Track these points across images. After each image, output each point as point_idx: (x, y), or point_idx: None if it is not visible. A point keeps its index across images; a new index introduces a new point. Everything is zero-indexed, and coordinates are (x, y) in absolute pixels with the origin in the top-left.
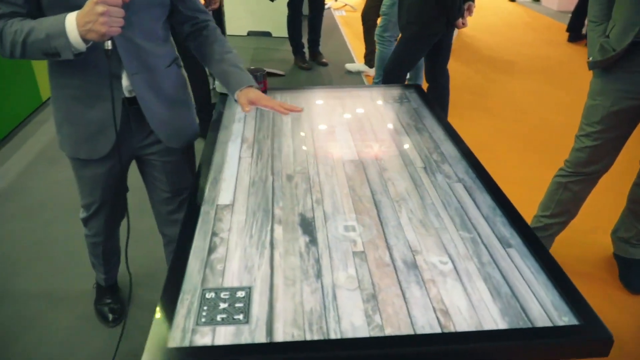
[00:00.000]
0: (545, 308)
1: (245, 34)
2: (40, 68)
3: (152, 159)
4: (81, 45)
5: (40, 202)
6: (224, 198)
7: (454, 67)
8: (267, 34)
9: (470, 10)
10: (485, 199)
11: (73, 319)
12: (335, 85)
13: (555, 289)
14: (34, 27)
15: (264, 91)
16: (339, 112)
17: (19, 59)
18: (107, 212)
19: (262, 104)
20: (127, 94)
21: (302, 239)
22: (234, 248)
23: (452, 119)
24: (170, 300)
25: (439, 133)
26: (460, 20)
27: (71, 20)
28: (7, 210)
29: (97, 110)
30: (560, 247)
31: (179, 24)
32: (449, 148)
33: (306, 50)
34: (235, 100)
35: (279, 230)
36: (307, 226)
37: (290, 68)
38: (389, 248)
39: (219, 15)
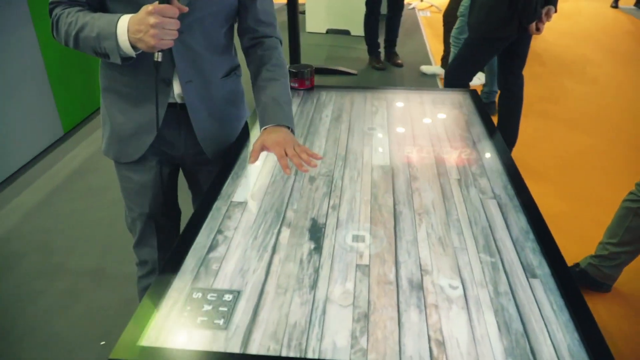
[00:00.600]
0: (558, 352)
1: (324, 31)
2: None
3: (198, 169)
4: (130, 52)
5: (107, 183)
6: (240, 195)
7: (532, 74)
8: (346, 32)
9: (548, 15)
10: (519, 220)
11: (117, 299)
12: (402, 86)
13: (577, 330)
14: (87, 23)
15: (311, 88)
16: (382, 114)
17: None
18: (153, 233)
19: (276, 153)
20: (178, 100)
21: (307, 245)
22: (234, 248)
23: (523, 129)
24: (156, 296)
25: (484, 144)
26: (534, 24)
27: (123, 24)
28: (75, 189)
29: (141, 112)
30: (628, 280)
31: (240, 35)
32: (491, 161)
33: (382, 50)
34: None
35: (285, 233)
36: (316, 232)
37: (363, 68)
38: (396, 264)
39: (293, 10)
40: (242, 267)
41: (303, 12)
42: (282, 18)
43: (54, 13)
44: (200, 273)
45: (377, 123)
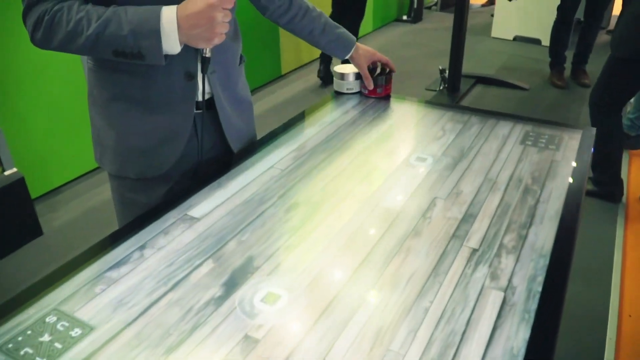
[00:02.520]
0: None
1: (512, 38)
2: (287, 43)
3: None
4: (176, 50)
5: None
6: (201, 208)
7: None
8: (536, 42)
9: None
10: (519, 333)
11: None
12: (571, 112)
13: None
14: (110, 19)
15: (387, 95)
16: (443, 142)
17: (62, 52)
18: None
19: (378, 59)
20: (199, 97)
21: (213, 292)
22: (138, 272)
23: None
24: (8, 308)
25: (548, 207)
26: None
27: (170, 18)
28: None
29: (161, 119)
30: None
31: (263, 11)
32: (543, 231)
33: (569, 66)
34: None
35: (204, 268)
36: (239, 276)
37: (540, 83)
38: (292, 355)
39: (461, 8)
40: (124, 297)
41: (492, 15)
42: (475, 20)
43: (39, 10)
44: (80, 291)
45: (430, 152)
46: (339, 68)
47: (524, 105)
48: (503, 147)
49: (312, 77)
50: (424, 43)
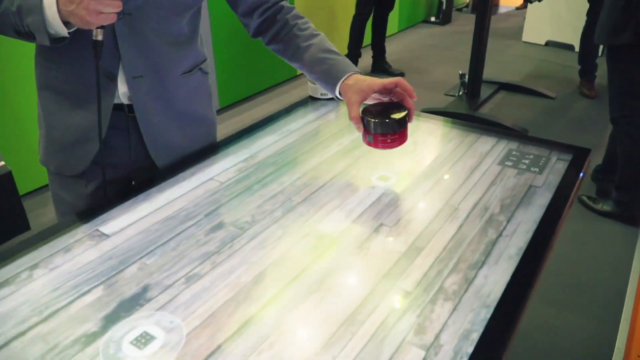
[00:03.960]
0: None
1: (543, 43)
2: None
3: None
4: (61, 29)
5: None
6: (118, 223)
7: None
8: (569, 47)
9: None
10: None
11: None
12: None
13: None
14: None
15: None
16: (412, 159)
17: None
18: None
19: (379, 90)
20: (124, 100)
21: (82, 329)
22: (18, 294)
23: None
24: None
25: (510, 243)
26: None
27: None
28: None
29: (83, 115)
30: None
31: (245, 15)
32: (496, 274)
33: (602, 74)
34: (337, 98)
35: (88, 298)
36: (115, 313)
37: (569, 92)
38: None
39: (484, 8)
40: None
41: (524, 18)
42: (507, 23)
43: None
44: None
45: (395, 170)
46: None
47: (548, 115)
48: (477, 167)
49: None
50: (450, 46)
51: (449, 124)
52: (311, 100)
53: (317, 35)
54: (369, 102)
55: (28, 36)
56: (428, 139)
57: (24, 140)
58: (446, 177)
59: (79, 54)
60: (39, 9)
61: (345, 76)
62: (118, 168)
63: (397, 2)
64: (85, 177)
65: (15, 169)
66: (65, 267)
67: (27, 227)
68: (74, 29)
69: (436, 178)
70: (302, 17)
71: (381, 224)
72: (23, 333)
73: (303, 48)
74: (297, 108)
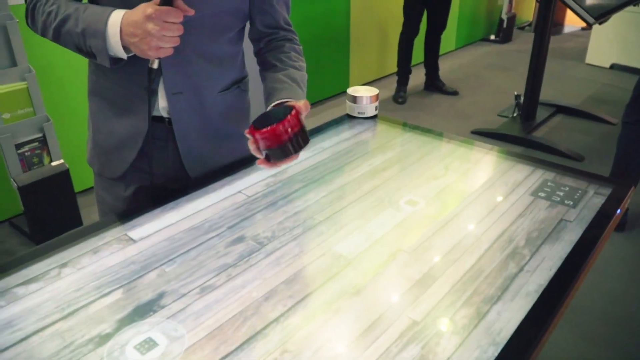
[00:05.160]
0: None
1: (608, 66)
2: (356, 58)
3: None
4: (122, 54)
5: None
6: (143, 230)
7: None
8: (635, 71)
9: None
10: None
11: None
12: None
13: None
14: (71, 15)
15: (295, 136)
16: (440, 184)
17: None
18: None
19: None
20: (163, 114)
21: (98, 330)
22: (45, 291)
23: None
24: None
25: (530, 279)
26: None
27: (115, 21)
28: None
29: (125, 124)
30: None
31: (253, 40)
32: (510, 311)
33: None
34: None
35: (98, 303)
36: (129, 317)
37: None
38: None
39: (543, 27)
40: (14, 319)
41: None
42: (571, 44)
43: None
44: None
45: (423, 194)
46: (351, 90)
47: (606, 142)
48: (508, 197)
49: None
50: (508, 66)
51: (484, 149)
52: (348, 118)
53: (297, 68)
54: None
55: (89, 55)
56: (462, 164)
57: (83, 139)
58: (474, 205)
59: (127, 66)
60: (103, 35)
61: (278, 101)
62: (154, 175)
63: (455, 20)
64: (124, 181)
65: (73, 167)
66: (91, 268)
67: (79, 223)
68: (132, 54)
69: (463, 205)
70: (299, 53)
71: (399, 249)
72: (43, 329)
73: (275, 68)
74: (333, 125)
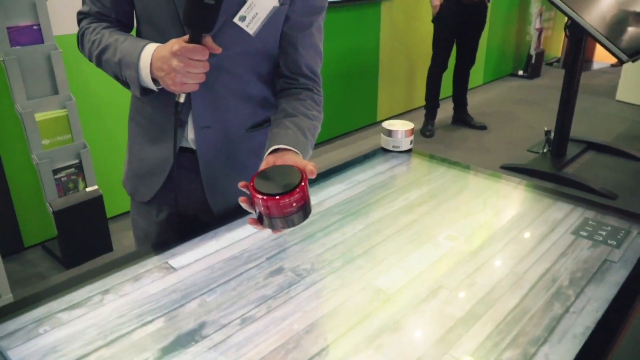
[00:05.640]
0: None
1: (639, 103)
2: (385, 91)
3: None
4: (151, 85)
5: None
6: (183, 259)
7: None
8: None
9: None
10: None
11: None
12: None
13: None
14: (111, 45)
15: (298, 210)
16: (479, 220)
17: None
18: None
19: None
20: (192, 145)
21: (140, 358)
22: (88, 317)
23: None
24: None
25: (577, 321)
26: None
27: (147, 54)
28: None
29: (156, 150)
30: None
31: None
32: (558, 354)
33: None
34: None
35: (140, 331)
36: (171, 346)
37: None
38: None
39: (573, 63)
40: (59, 344)
41: (619, 76)
42: (600, 80)
43: (80, 25)
44: (25, 329)
45: (460, 230)
46: (387, 124)
47: (638, 179)
48: (549, 235)
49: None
50: (537, 101)
51: (522, 185)
52: (382, 151)
53: (308, 116)
54: None
55: (124, 84)
56: (500, 200)
57: (117, 166)
58: (514, 242)
59: (158, 97)
60: (136, 67)
61: (277, 146)
62: (180, 205)
63: (483, 54)
64: (155, 206)
65: (106, 193)
66: (134, 295)
67: (110, 248)
68: (162, 86)
69: (504, 243)
70: (316, 102)
71: (440, 286)
72: (87, 355)
73: (284, 113)
74: (368, 158)
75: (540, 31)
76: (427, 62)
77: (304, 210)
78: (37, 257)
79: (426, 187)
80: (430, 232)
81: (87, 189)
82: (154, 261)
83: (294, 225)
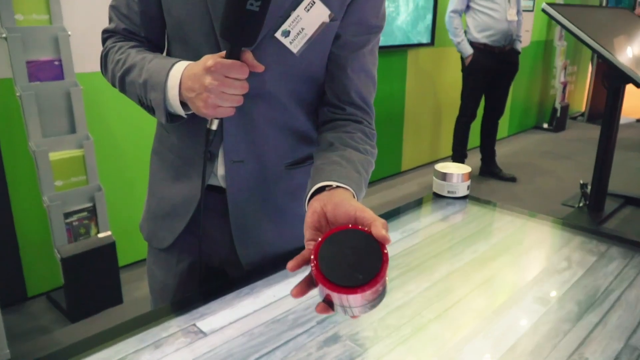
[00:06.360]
0: None
1: None
2: (409, 140)
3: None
4: (180, 111)
5: None
6: (214, 321)
7: None
8: None
9: None
10: None
11: None
12: None
13: None
14: (137, 64)
15: (379, 296)
16: (566, 279)
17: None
18: None
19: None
20: (221, 183)
21: None
22: None
23: None
24: None
25: None
26: None
27: (177, 73)
28: None
29: (176, 189)
30: None
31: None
32: None
33: None
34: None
35: None
36: None
37: None
38: None
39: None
40: None
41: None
42: (629, 134)
43: (105, 45)
44: None
45: (546, 290)
46: (440, 166)
47: None
48: None
49: (430, 177)
50: (565, 154)
51: (605, 240)
52: (435, 197)
53: (359, 150)
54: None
55: (149, 109)
56: (586, 256)
57: (132, 211)
58: (618, 309)
59: (192, 124)
60: (163, 88)
61: (323, 183)
62: (203, 254)
63: (508, 106)
64: (175, 255)
65: (119, 240)
66: None
67: (119, 300)
68: (191, 112)
69: (605, 308)
70: (367, 136)
71: None
72: None
73: (331, 147)
74: (420, 205)
75: (564, 85)
76: (453, 112)
77: (384, 289)
78: (40, 308)
79: (494, 239)
80: (514, 294)
81: (100, 235)
82: (179, 323)
83: (373, 308)
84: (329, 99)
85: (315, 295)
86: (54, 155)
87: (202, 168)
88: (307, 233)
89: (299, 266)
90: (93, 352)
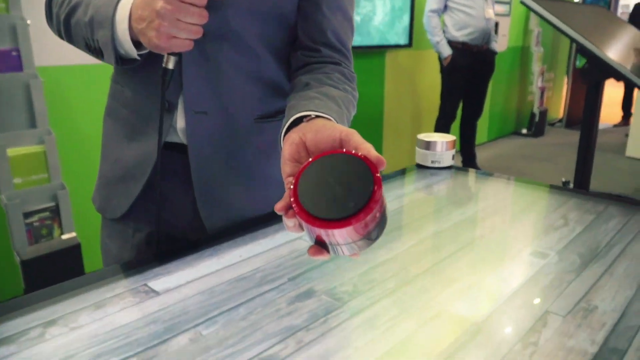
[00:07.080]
0: None
1: None
2: (389, 145)
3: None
4: (131, 50)
5: None
6: (171, 280)
7: None
8: None
9: None
10: None
11: None
12: None
13: None
14: (81, 2)
15: (382, 217)
16: (565, 234)
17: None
18: None
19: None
20: (182, 138)
21: None
22: (20, 357)
23: None
24: None
25: None
26: None
27: (126, 4)
28: None
29: (130, 149)
30: None
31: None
32: None
33: None
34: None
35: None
36: None
37: None
38: None
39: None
40: None
41: (627, 135)
42: (607, 139)
43: None
44: None
45: (546, 245)
46: (423, 135)
47: None
48: None
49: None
50: (545, 157)
51: (602, 200)
52: (418, 168)
53: (338, 88)
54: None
55: (97, 53)
56: (584, 215)
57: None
58: (623, 259)
59: (148, 75)
60: (110, 22)
61: (300, 114)
62: (163, 221)
63: (487, 112)
64: (131, 225)
65: (85, 244)
66: (91, 327)
67: None
68: (145, 51)
69: (610, 258)
70: (347, 77)
71: (548, 311)
72: None
73: (307, 87)
74: (401, 175)
75: (542, 90)
76: (432, 114)
77: (383, 217)
78: None
79: (485, 202)
80: (509, 249)
81: (63, 236)
82: (127, 283)
83: (373, 241)
84: (302, 42)
85: (285, 254)
86: (12, 151)
87: (158, 121)
88: (286, 167)
89: (289, 206)
90: (21, 314)
